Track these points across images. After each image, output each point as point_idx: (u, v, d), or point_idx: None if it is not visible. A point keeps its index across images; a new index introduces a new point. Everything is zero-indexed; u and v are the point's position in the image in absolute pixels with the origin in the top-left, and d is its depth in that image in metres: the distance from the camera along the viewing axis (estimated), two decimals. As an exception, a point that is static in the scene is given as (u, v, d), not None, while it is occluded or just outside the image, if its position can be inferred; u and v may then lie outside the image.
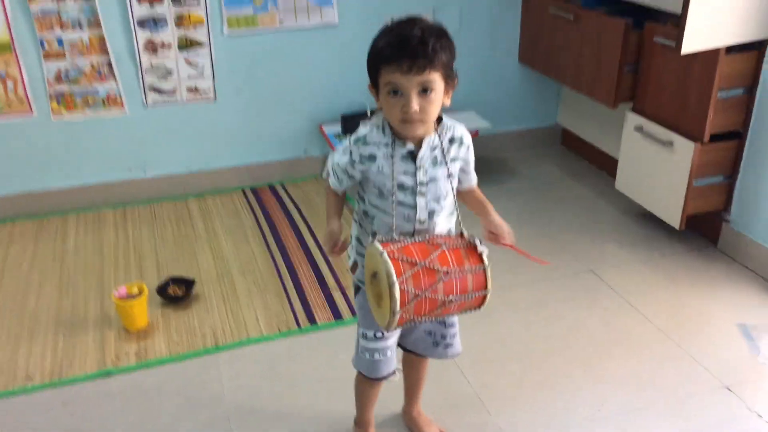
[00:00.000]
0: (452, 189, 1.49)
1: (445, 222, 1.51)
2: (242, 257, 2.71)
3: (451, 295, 1.38)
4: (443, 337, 1.66)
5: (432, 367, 1.83)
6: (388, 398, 1.88)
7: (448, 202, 1.50)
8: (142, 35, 2.85)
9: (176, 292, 2.43)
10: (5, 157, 2.91)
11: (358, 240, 1.57)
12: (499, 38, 3.39)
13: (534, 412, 1.95)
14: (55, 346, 2.21)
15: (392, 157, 1.43)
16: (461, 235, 1.46)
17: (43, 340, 2.23)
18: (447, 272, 1.37)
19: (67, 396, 2.01)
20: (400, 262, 1.36)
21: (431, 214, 1.47)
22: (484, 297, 1.43)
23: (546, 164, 3.50)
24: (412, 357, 1.75)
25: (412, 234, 1.47)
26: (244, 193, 3.24)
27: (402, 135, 1.42)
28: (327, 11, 3.06)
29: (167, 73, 2.95)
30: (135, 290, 2.29)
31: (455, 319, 1.67)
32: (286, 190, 3.26)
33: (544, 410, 1.95)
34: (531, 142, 3.67)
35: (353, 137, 1.48)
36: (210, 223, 2.97)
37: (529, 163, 3.52)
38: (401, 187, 1.44)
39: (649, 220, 2.86)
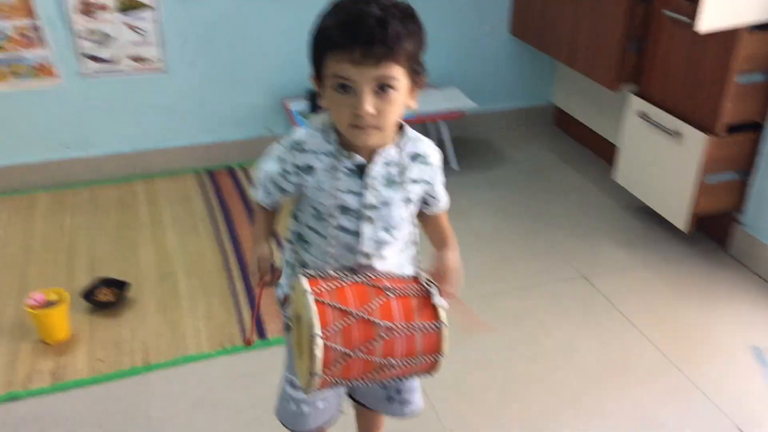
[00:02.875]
0: (409, 217, 1.17)
1: (396, 257, 1.19)
2: (189, 253, 2.38)
3: (391, 358, 1.07)
4: (398, 392, 1.35)
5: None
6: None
7: (403, 233, 1.18)
8: (75, -6, 2.47)
9: (107, 297, 2.11)
10: None
11: (291, 267, 1.25)
12: (488, 7, 3.02)
13: (513, 456, 1.66)
14: (-43, 363, 1.89)
15: (335, 170, 1.10)
16: (416, 278, 1.14)
17: (-58, 356, 1.91)
18: (389, 328, 1.06)
19: (-39, 429, 1.70)
20: (328, 309, 1.04)
21: (379, 245, 1.15)
22: (437, 362, 1.11)
23: (537, 147, 3.17)
24: (364, 409, 1.44)
25: (353, 270, 1.15)
26: (198, 175, 2.89)
27: (351, 143, 1.09)
28: (293, -29, 2.68)
29: (106, 39, 2.57)
30: (54, 297, 1.97)
31: None
32: (245, 173, 2.92)
33: (525, 454, 1.66)
34: (521, 122, 3.33)
35: (287, 141, 1.15)
36: (156, 211, 2.63)
37: (518, 145, 3.18)
38: (343, 208, 1.12)
39: (651, 216, 2.55)
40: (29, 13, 2.44)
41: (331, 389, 1.25)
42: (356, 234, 1.14)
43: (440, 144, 2.94)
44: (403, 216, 1.16)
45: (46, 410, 1.75)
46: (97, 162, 2.80)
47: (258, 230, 1.26)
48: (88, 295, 2.10)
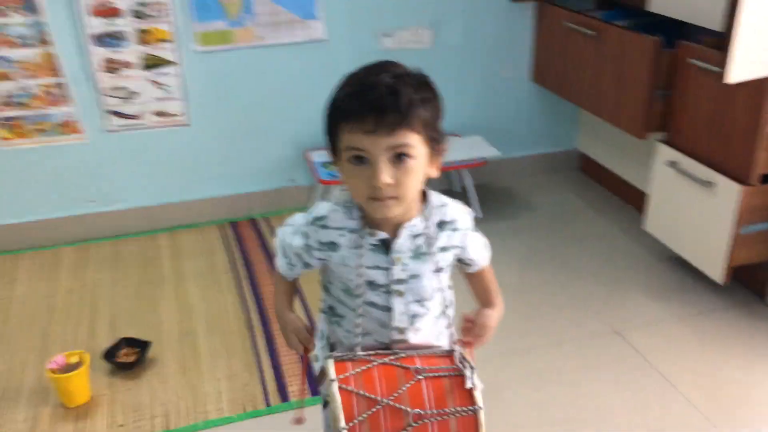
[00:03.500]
0: (441, 285, 1.13)
1: (432, 327, 1.15)
2: (211, 309, 2.35)
3: None
4: None
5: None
6: None
7: (436, 304, 1.13)
8: (98, 53, 2.50)
9: (128, 357, 2.08)
10: (-52, 191, 2.58)
11: (327, 338, 1.21)
12: (509, 55, 3.01)
13: None
14: (-24, 429, 1.86)
15: (359, 246, 1.07)
16: (450, 353, 1.09)
17: (-39, 421, 1.89)
18: (420, 416, 1.01)
19: (-22, 501, 1.66)
20: (354, 398, 1.00)
21: (413, 318, 1.11)
22: None
23: (562, 193, 3.12)
24: None
25: (387, 345, 1.10)
26: (221, 228, 2.88)
27: (375, 218, 1.05)
28: (312, 25, 2.69)
29: (131, 96, 2.60)
30: (75, 359, 1.94)
31: None
32: (269, 224, 2.90)
33: None
34: (546, 168, 3.28)
35: (310, 216, 1.12)
36: (179, 264, 2.61)
37: (543, 192, 3.13)
38: (371, 284, 1.09)
39: (684, 267, 2.47)
40: (54, 71, 2.48)
41: None
42: (387, 309, 1.11)
43: (464, 192, 2.91)
44: (435, 286, 1.13)
45: (65, 479, 1.72)
46: (120, 216, 2.81)
47: (281, 302, 1.23)
48: (110, 355, 2.07)
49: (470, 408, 1.04)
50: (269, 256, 2.66)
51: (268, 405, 1.93)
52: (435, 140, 1.03)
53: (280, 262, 1.21)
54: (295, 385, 1.99)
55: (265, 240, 2.78)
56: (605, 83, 2.54)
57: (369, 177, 0.99)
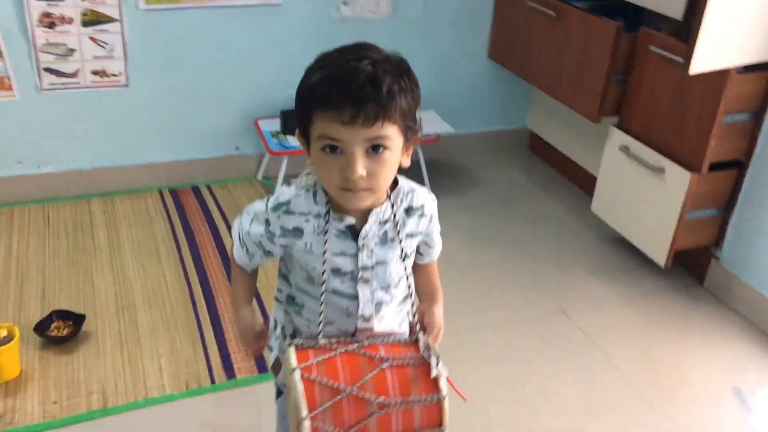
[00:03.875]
0: (406, 272, 1.09)
1: (394, 314, 1.11)
2: (150, 281, 2.24)
3: None
4: None
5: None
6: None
7: (401, 290, 1.09)
8: (36, 6, 2.31)
9: (60, 331, 1.96)
10: None
11: (283, 330, 1.15)
12: (468, 30, 2.96)
13: None
14: None
15: (325, 232, 1.01)
16: (415, 342, 1.05)
17: None
18: (384, 404, 0.97)
19: None
20: (317, 387, 0.96)
21: (379, 306, 1.07)
22: None
23: (512, 172, 3.12)
24: None
25: (353, 334, 1.05)
26: (161, 194, 2.75)
27: (341, 205, 1.00)
28: (267, -14, 2.57)
29: (68, 52, 2.42)
30: (3, 333, 1.81)
31: None
32: (211, 193, 2.79)
33: None
34: (496, 146, 3.28)
35: (272, 202, 1.05)
36: (115, 233, 2.48)
37: (494, 169, 3.13)
38: (337, 272, 1.04)
39: (628, 249, 2.51)
40: (-17, 21, 2.28)
41: None
42: (353, 297, 1.06)
43: (416, 167, 2.87)
44: (400, 273, 1.09)
45: (-8, 460, 1.61)
46: (51, 179, 2.63)
47: (239, 294, 1.16)
48: (41, 329, 1.94)
49: (434, 396, 1.01)
50: (213, 226, 2.56)
51: (213, 382, 1.85)
52: (411, 130, 0.98)
53: (237, 253, 1.14)
54: (241, 361, 1.92)
55: (209, 209, 2.67)
56: (563, 65, 2.53)
57: (342, 168, 0.93)
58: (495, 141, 3.26)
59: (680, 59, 1.91)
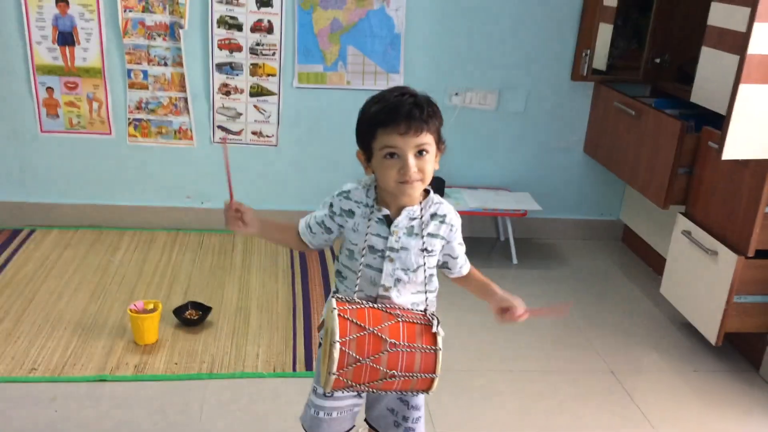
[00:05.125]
0: (425, 266, 1.48)
1: (410, 296, 1.49)
2: (266, 295, 2.77)
3: (394, 370, 1.35)
4: (405, 419, 1.61)
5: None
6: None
7: (418, 277, 1.48)
8: (218, 78, 3.08)
9: (192, 316, 2.53)
10: (81, 170, 3.19)
11: (335, 293, 1.59)
12: (565, 126, 3.36)
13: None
14: (68, 345, 2.34)
15: (369, 218, 1.45)
16: (424, 311, 1.45)
17: (58, 338, 2.37)
18: (394, 344, 1.35)
19: (59, 392, 2.11)
20: (348, 323, 1.35)
21: (396, 282, 1.47)
22: (432, 380, 1.39)
23: (600, 258, 3.37)
24: None
25: (375, 299, 1.46)
26: (290, 237, 3.34)
27: (390, 201, 1.43)
28: (394, 77, 3.17)
29: (236, 115, 3.15)
30: (151, 306, 2.40)
31: (421, 401, 1.61)
32: (330, 242, 3.33)
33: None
34: (589, 234, 3.55)
35: (338, 191, 1.51)
36: (248, 259, 3.08)
37: (582, 254, 3.40)
38: (371, 249, 1.45)
39: (691, 331, 2.67)
40: (182, 88, 3.07)
41: (345, 394, 1.53)
42: (379, 270, 1.46)
43: (505, 240, 3.24)
44: (419, 262, 1.46)
45: (123, 394, 2.14)
46: (208, 213, 3.33)
47: (274, 223, 1.61)
48: (178, 312, 2.53)
49: (433, 347, 1.37)
50: (323, 266, 3.08)
51: (294, 370, 2.30)
52: (440, 141, 1.43)
53: (300, 225, 1.59)
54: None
55: (324, 253, 3.20)
56: (640, 157, 2.84)
57: (400, 167, 1.36)
58: (587, 229, 3.54)
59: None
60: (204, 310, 2.56)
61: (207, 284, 2.83)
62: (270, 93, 3.14)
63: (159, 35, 2.98)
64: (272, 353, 2.39)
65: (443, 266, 1.56)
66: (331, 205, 1.51)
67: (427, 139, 1.37)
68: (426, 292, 1.51)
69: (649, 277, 3.18)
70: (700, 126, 2.59)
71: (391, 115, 1.35)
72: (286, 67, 3.11)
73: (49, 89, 3.01)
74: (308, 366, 2.33)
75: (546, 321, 2.73)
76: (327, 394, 1.56)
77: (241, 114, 3.16)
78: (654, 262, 3.24)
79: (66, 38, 2.94)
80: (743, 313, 2.38)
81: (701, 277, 2.49)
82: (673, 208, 2.69)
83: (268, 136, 3.22)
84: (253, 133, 3.20)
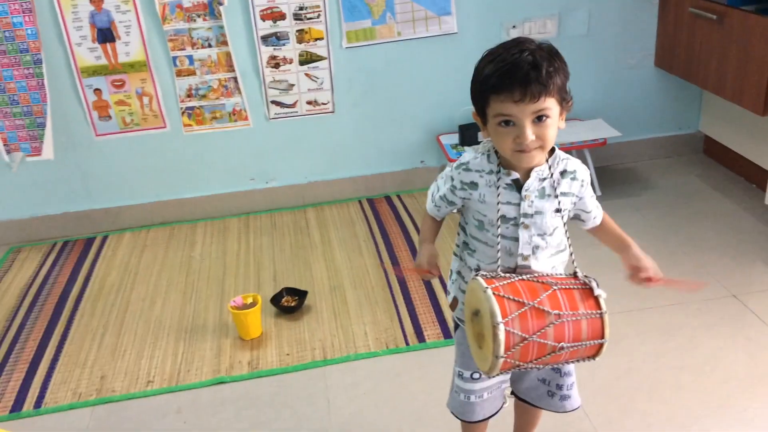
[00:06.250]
0: (562, 225, 1.37)
1: (549, 260, 1.38)
2: (355, 269, 2.70)
3: (562, 342, 1.25)
4: (559, 387, 1.52)
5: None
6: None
7: (555, 239, 1.37)
8: (265, 51, 2.93)
9: (289, 303, 2.46)
10: (141, 169, 3.11)
11: (459, 274, 1.48)
12: (633, 41, 3.15)
13: (660, 454, 1.76)
14: (176, 352, 2.30)
15: (496, 186, 1.33)
16: (574, 275, 1.33)
17: (165, 346, 2.34)
18: (559, 315, 1.24)
19: (182, 402, 2.08)
20: (505, 301, 1.24)
21: (535, 249, 1.35)
22: (601, 346, 1.28)
23: (685, 174, 3.21)
24: (525, 405, 1.62)
25: (514, 270, 1.35)
26: (360, 203, 3.24)
27: (512, 164, 1.31)
28: (446, 20, 2.99)
29: (289, 87, 3.02)
30: (250, 300, 2.34)
31: (572, 367, 1.52)
32: (401, 201, 3.23)
33: (671, 453, 1.76)
34: (668, 151, 3.38)
35: (456, 163, 1.39)
36: (326, 234, 3.00)
37: (666, 173, 3.24)
38: (503, 218, 1.33)
39: (806, 241, 2.53)
40: (229, 67, 2.94)
41: (502, 377, 1.45)
42: (514, 239, 1.34)
43: (585, 172, 3.09)
44: (554, 224, 1.35)
45: (245, 393, 2.10)
46: (275, 192, 3.24)
47: (426, 233, 1.50)
48: (275, 301, 2.47)
49: (598, 312, 1.26)
50: (404, 227, 2.98)
51: (407, 344, 2.23)
52: (565, 99, 1.27)
53: (429, 206, 1.49)
54: (429, 329, 2.29)
55: (399, 214, 3.10)
56: (727, 64, 2.64)
57: (516, 135, 1.23)
58: (667, 146, 3.37)
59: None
60: (300, 294, 2.49)
61: (293, 267, 2.76)
62: (320, 58, 2.98)
63: (199, 16, 2.83)
64: (380, 330, 2.32)
65: (575, 218, 1.44)
66: (452, 179, 1.39)
67: (548, 104, 1.21)
68: (567, 254, 1.40)
69: (744, 189, 3.02)
70: (795, 20, 2.37)
71: (505, 80, 1.20)
72: (333, 29, 2.95)
73: (97, 91, 2.90)
74: (420, 338, 2.26)
75: (653, 253, 2.60)
76: (474, 377, 1.48)
77: (293, 85, 3.02)
78: (746, 172, 3.06)
79: (105, 35, 2.81)
80: None
81: (817, 182, 2.33)
82: None
83: (323, 104, 3.08)
84: (308, 102, 3.07)
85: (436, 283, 2.53)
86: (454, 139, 3.13)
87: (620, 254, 1.42)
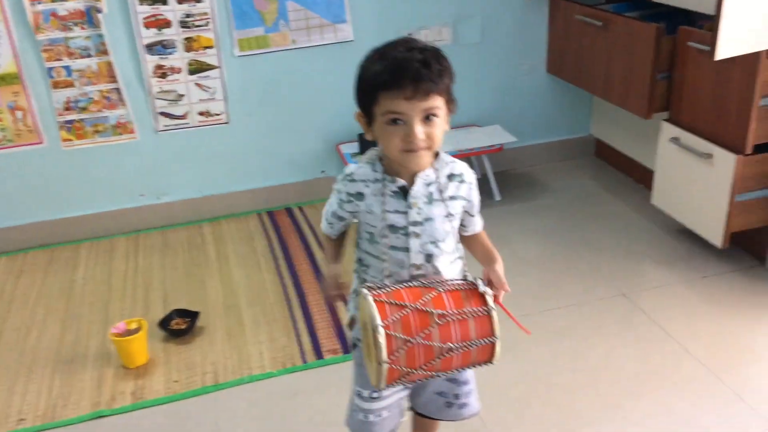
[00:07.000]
0: (453, 231, 1.33)
1: (448, 268, 1.34)
2: (252, 286, 2.59)
3: (449, 343, 1.20)
4: (456, 396, 1.49)
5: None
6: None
7: (449, 245, 1.33)
8: (151, 60, 2.78)
9: (179, 325, 2.33)
10: (16, 188, 2.88)
11: (356, 293, 1.41)
12: (526, 48, 3.21)
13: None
14: (51, 385, 2.12)
15: (382, 194, 1.28)
16: (463, 278, 1.30)
17: (40, 379, 2.15)
18: (442, 315, 1.20)
19: (57, 440, 1.91)
20: (386, 305, 1.19)
21: (429, 258, 1.31)
22: (493, 346, 1.24)
23: (579, 177, 3.29)
24: (424, 420, 1.58)
25: (408, 281, 1.30)
26: (260, 216, 3.13)
27: (399, 168, 1.26)
28: (342, 27, 2.94)
29: (178, 98, 2.88)
30: (134, 326, 2.20)
31: (469, 374, 1.49)
32: (303, 213, 3.14)
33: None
34: (562, 155, 3.46)
35: (341, 175, 1.34)
36: (222, 249, 2.87)
37: (560, 176, 3.31)
38: (392, 228, 1.28)
39: (690, 238, 2.62)
40: (111, 78, 2.77)
41: (392, 389, 1.39)
42: (405, 250, 1.29)
43: (483, 177, 3.11)
44: (446, 230, 1.31)
45: (127, 426, 1.96)
46: (168, 208, 3.08)
47: (327, 255, 1.44)
48: (164, 324, 2.32)
49: (484, 309, 1.22)
50: (304, 241, 2.89)
51: (304, 362, 2.15)
52: (451, 101, 1.24)
53: (323, 225, 1.43)
54: (327, 345, 2.21)
55: (300, 226, 3.02)
56: (613, 69, 2.72)
57: (405, 134, 1.19)
58: (561, 150, 3.45)
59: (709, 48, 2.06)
60: (191, 316, 2.36)
61: (186, 286, 2.61)
62: (211, 67, 2.86)
63: (76, 24, 2.65)
64: (277, 349, 2.22)
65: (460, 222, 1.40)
66: (338, 192, 1.34)
67: (437, 102, 1.19)
68: (460, 261, 1.37)
69: (632, 189, 3.12)
70: (671, 27, 2.46)
71: (396, 77, 1.16)
72: (223, 36, 2.84)
73: (-38, 106, 2.67)
74: (318, 355, 2.18)
75: (550, 257, 2.64)
76: (373, 396, 1.42)
77: (182, 95, 2.88)
78: (634, 173, 3.17)
79: (-32, 45, 2.59)
80: (746, 210, 2.32)
81: (696, 181, 2.42)
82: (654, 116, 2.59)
83: (217, 114, 2.96)
84: (201, 113, 2.93)
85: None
86: (354, 147, 3.08)
87: (485, 266, 1.37)
